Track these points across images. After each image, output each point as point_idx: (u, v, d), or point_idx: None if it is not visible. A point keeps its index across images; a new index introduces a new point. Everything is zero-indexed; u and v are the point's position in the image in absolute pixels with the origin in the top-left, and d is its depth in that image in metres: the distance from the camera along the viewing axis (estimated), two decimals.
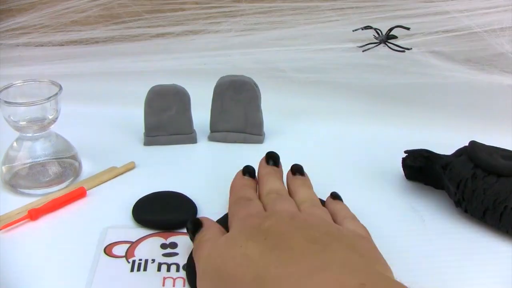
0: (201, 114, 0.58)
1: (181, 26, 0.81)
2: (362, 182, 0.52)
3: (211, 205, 0.47)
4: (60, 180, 0.50)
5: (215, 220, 0.42)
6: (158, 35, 0.82)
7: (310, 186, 0.45)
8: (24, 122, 0.48)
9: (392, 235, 0.41)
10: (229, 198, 0.44)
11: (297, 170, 0.46)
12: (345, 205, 0.43)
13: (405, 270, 0.40)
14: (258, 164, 0.47)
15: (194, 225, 0.39)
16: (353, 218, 0.41)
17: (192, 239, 0.39)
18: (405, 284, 0.31)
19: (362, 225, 0.40)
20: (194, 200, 0.47)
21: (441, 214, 0.47)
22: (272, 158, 0.47)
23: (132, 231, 0.44)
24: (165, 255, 0.41)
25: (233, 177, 0.45)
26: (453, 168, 0.46)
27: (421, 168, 0.50)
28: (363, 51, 0.82)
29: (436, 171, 0.48)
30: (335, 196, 0.44)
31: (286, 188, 0.45)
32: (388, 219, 0.46)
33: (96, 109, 0.65)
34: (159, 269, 0.39)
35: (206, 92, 0.57)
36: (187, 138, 0.58)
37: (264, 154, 0.57)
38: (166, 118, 0.56)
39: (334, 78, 0.75)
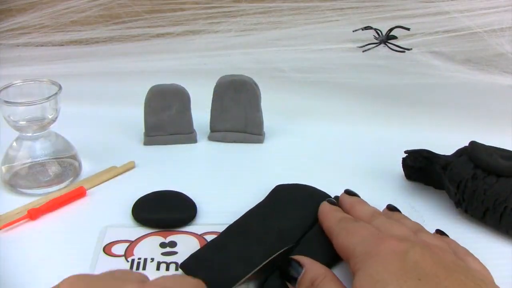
0: (201, 113, 0.58)
1: (181, 26, 0.81)
2: (362, 182, 0.52)
3: (210, 204, 0.47)
4: (60, 180, 0.50)
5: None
6: (158, 35, 0.82)
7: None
8: (24, 122, 0.48)
9: None
10: (326, 222, 0.41)
11: (394, 208, 0.44)
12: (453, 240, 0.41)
13: None
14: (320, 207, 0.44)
15: (292, 266, 0.36)
16: (473, 255, 0.38)
17: (293, 283, 0.35)
18: None
19: (482, 264, 0.38)
20: (193, 200, 0.47)
21: (441, 214, 0.47)
22: (353, 193, 0.45)
23: (132, 230, 0.44)
24: (164, 254, 0.41)
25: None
26: (453, 168, 0.46)
27: (421, 168, 0.50)
28: (363, 51, 0.82)
29: (436, 171, 0.48)
30: (441, 232, 0.42)
31: None
32: None
33: (96, 109, 0.65)
34: (158, 268, 0.39)
35: (206, 92, 0.57)
36: (187, 137, 0.58)
37: (264, 154, 0.57)
38: (166, 117, 0.56)
39: (334, 78, 0.75)
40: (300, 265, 0.36)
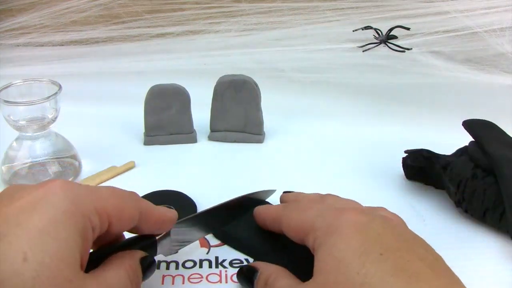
0: (201, 113, 0.58)
1: (181, 26, 0.81)
2: (362, 182, 0.52)
3: (210, 203, 0.46)
4: None
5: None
6: (158, 35, 0.82)
7: None
8: (24, 122, 0.48)
9: None
10: (269, 215, 0.39)
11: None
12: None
13: None
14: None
15: (248, 272, 0.36)
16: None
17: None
18: None
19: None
20: (193, 199, 0.47)
21: (441, 214, 0.47)
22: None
23: None
24: None
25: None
26: (453, 168, 0.46)
27: (422, 168, 0.50)
28: (363, 51, 0.82)
29: (436, 171, 0.48)
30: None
31: None
32: None
33: (96, 109, 0.65)
34: (158, 267, 0.39)
35: (206, 92, 0.57)
36: (187, 137, 0.58)
37: (264, 154, 0.57)
38: (166, 117, 0.56)
39: (334, 78, 0.75)
40: (255, 269, 0.36)
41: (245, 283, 0.37)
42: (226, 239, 0.42)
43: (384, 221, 0.33)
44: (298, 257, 0.39)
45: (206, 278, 0.38)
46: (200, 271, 0.39)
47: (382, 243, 0.30)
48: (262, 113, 0.57)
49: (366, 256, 0.29)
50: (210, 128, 0.58)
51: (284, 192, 0.45)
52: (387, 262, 0.29)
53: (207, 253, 0.41)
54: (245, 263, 0.40)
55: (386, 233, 0.31)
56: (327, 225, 0.32)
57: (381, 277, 0.28)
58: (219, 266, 0.40)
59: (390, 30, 0.81)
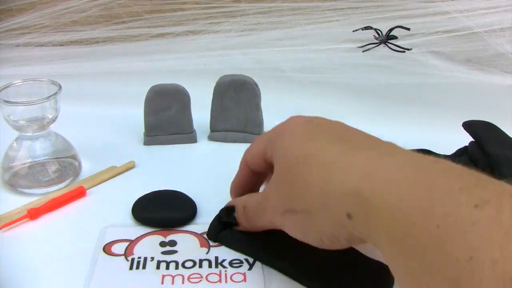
0: (201, 113, 0.58)
1: (181, 26, 0.81)
2: None
3: (210, 204, 0.47)
4: (60, 180, 0.50)
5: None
6: (158, 35, 0.82)
7: None
8: (24, 122, 0.48)
9: None
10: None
11: None
12: None
13: None
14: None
15: (227, 211, 0.41)
16: None
17: (235, 223, 0.41)
18: None
19: None
20: (193, 199, 0.47)
21: None
22: None
23: (132, 229, 0.44)
24: (164, 253, 0.41)
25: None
26: None
27: None
28: (363, 51, 0.82)
29: None
30: None
31: None
32: None
33: (96, 109, 0.65)
34: (158, 267, 0.39)
35: (206, 92, 0.57)
36: (187, 137, 0.58)
37: None
38: (166, 117, 0.56)
39: (334, 78, 0.75)
40: (232, 207, 0.41)
41: (229, 224, 0.41)
42: (225, 242, 0.42)
43: (326, 119, 0.37)
44: (298, 256, 0.39)
45: (206, 278, 0.38)
46: (199, 271, 0.39)
47: (323, 129, 0.35)
48: (262, 113, 0.57)
49: (308, 138, 0.34)
50: (210, 128, 0.58)
51: None
52: (326, 136, 0.34)
53: (206, 253, 0.41)
54: (245, 263, 0.40)
55: (326, 123, 0.36)
56: (276, 133, 0.37)
57: (321, 146, 0.33)
58: (219, 266, 0.40)
59: (390, 30, 0.81)
